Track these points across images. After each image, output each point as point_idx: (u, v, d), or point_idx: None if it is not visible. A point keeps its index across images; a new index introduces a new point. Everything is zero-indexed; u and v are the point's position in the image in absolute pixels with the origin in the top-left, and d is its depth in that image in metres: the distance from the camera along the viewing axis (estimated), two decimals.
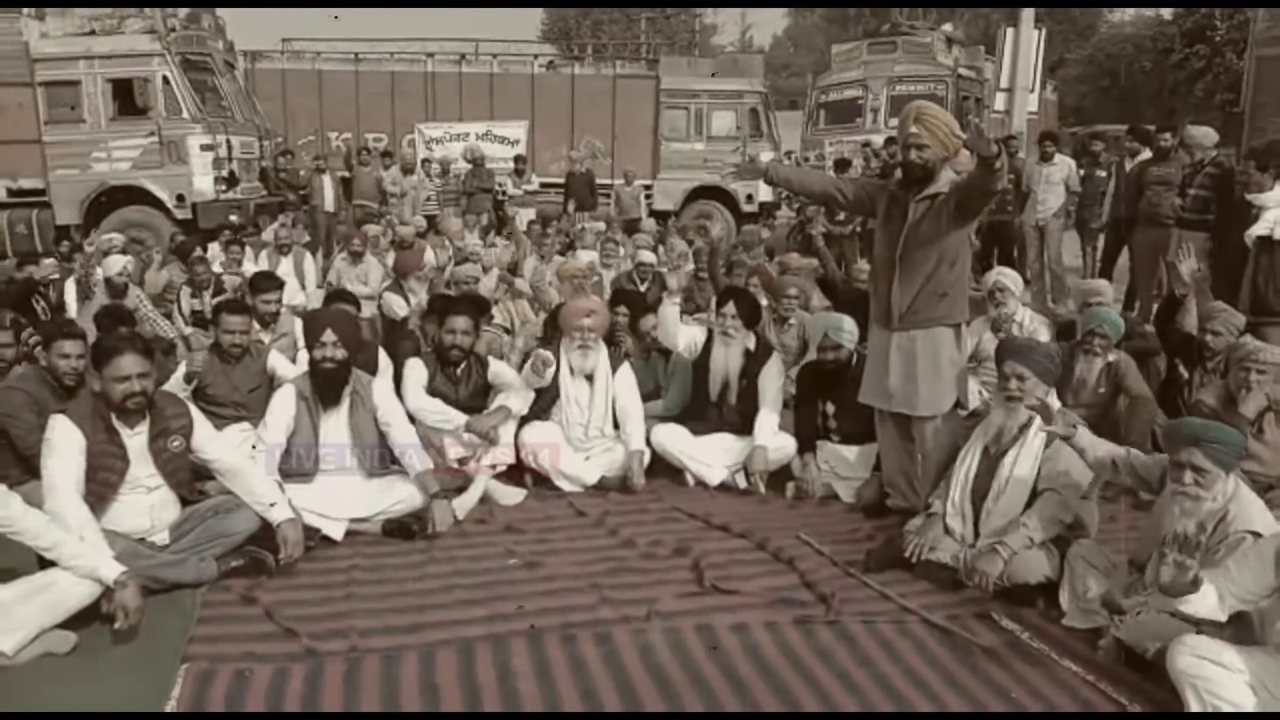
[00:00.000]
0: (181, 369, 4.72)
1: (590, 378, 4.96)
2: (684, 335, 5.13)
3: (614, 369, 5.02)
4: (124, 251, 7.90)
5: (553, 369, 4.83)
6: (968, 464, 3.86)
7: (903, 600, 3.58)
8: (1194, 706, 2.66)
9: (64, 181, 11.75)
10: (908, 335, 4.11)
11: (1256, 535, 2.91)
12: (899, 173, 4.29)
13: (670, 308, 5.26)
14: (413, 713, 2.89)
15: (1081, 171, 9.76)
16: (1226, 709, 2.62)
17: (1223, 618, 2.73)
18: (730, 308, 4.99)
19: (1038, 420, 3.67)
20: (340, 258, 8.86)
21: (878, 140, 13.05)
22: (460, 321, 4.90)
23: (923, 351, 4.09)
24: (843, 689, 3.01)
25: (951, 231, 3.97)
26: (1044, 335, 5.90)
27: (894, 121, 14.20)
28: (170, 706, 2.87)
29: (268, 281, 6.08)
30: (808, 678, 3.07)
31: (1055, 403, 3.77)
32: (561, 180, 14.37)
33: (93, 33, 11.69)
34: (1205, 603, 2.69)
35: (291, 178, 13.59)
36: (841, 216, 10.52)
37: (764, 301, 6.95)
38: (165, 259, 9.14)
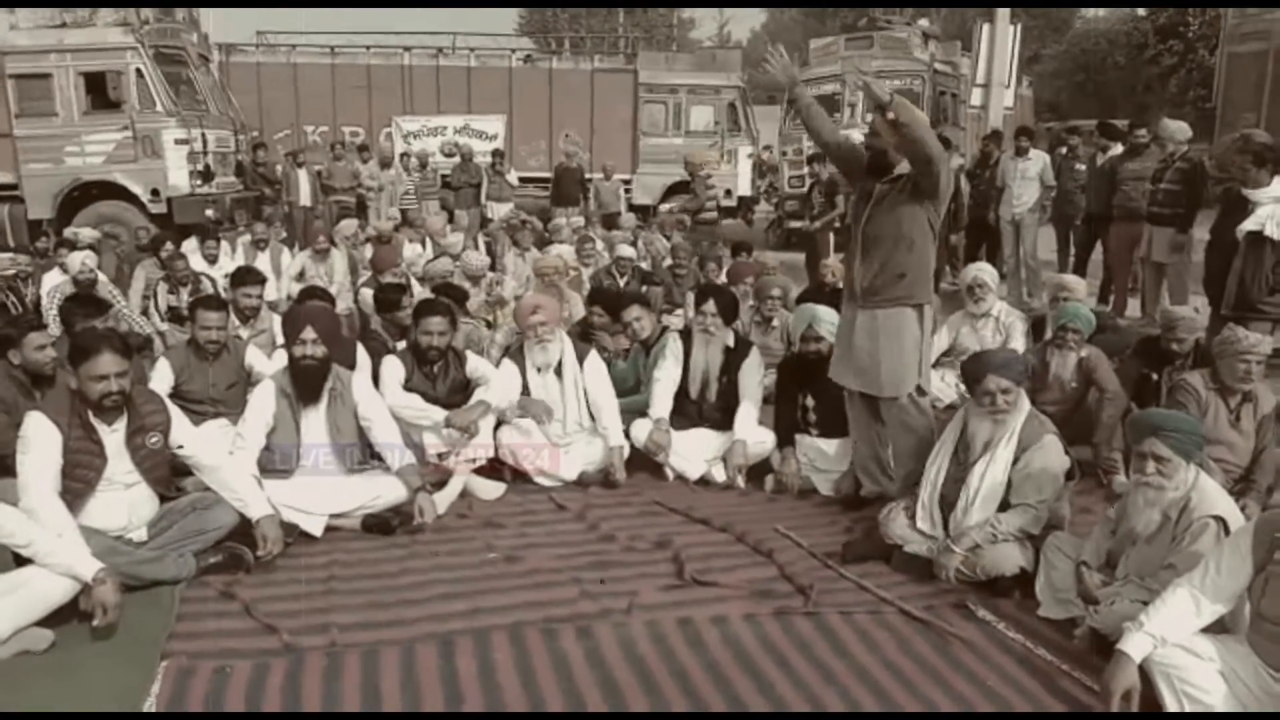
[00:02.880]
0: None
1: (559, 373, 4.97)
2: (670, 373, 5.04)
3: (581, 361, 5.01)
4: (90, 247, 7.77)
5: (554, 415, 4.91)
6: (937, 465, 3.89)
7: (880, 591, 3.62)
8: (1165, 694, 2.70)
9: (36, 176, 11.59)
10: (870, 314, 4.15)
11: (1219, 520, 2.97)
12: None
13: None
14: (393, 713, 2.89)
15: (1060, 157, 9.82)
16: (1197, 696, 2.66)
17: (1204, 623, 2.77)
18: (710, 305, 5.00)
19: (1009, 430, 3.70)
20: (306, 255, 8.81)
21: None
22: (435, 322, 4.85)
23: (885, 329, 4.12)
24: (821, 679, 3.04)
25: (907, 209, 4.02)
26: (1019, 329, 5.98)
27: (870, 116, 14.29)
28: (150, 704, 2.86)
29: (249, 276, 6.04)
30: (787, 669, 3.10)
31: (1026, 403, 3.80)
32: (538, 174, 14.32)
33: (64, 25, 11.52)
34: (1187, 626, 2.75)
35: (268, 172, 13.49)
36: (816, 211, 10.56)
37: (750, 302, 6.98)
38: (133, 267, 8.95)
